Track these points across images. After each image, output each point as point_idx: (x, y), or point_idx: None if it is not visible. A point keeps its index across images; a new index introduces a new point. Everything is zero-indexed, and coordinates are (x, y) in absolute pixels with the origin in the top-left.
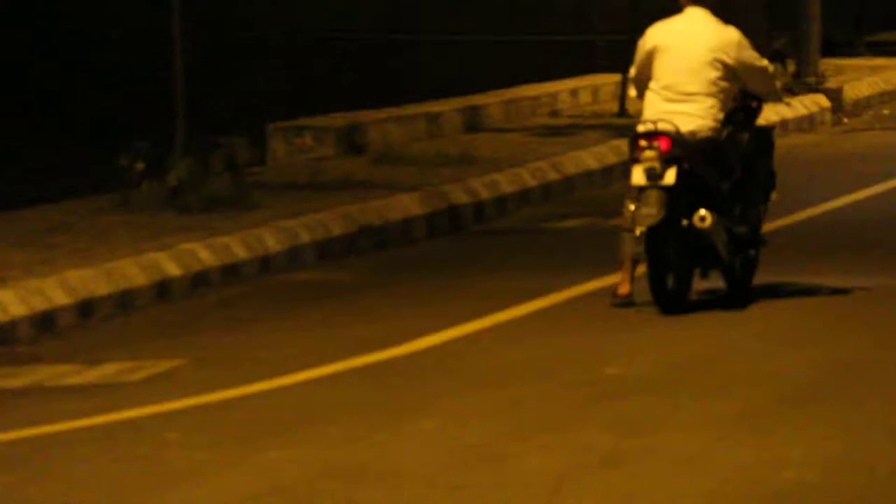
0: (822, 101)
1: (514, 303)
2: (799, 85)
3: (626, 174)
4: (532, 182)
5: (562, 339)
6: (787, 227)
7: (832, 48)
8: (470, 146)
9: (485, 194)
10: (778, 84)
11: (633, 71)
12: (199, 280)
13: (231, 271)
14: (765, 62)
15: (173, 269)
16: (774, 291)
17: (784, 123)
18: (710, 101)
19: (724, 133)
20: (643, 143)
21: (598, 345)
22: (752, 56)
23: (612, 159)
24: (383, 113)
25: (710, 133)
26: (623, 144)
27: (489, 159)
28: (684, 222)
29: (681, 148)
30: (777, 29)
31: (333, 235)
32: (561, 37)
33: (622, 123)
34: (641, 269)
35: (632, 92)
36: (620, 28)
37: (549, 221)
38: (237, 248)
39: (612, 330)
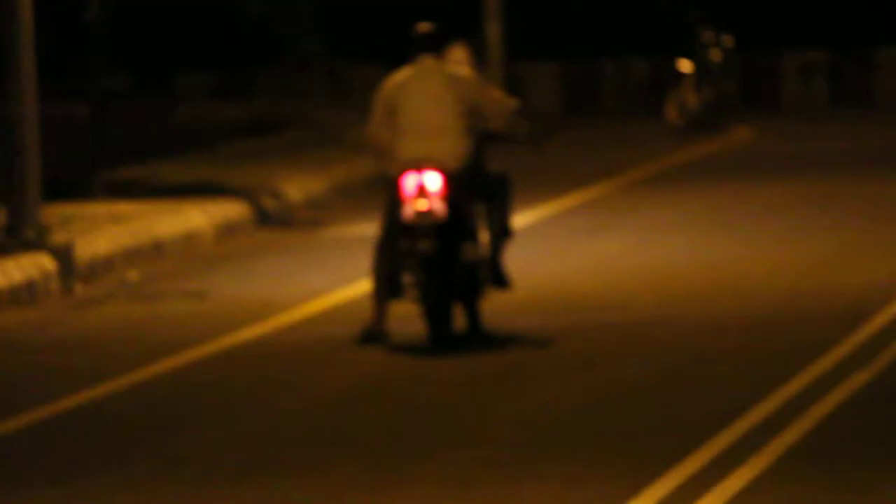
0: (47, 262)
1: None
2: (13, 241)
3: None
4: None
5: None
6: None
7: (59, 189)
8: None
9: None
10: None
11: (373, 126)
12: None
13: None
14: (508, 99)
15: None
16: None
17: None
18: (459, 136)
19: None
20: (411, 179)
21: None
22: (491, 93)
23: None
24: None
25: (462, 165)
26: None
27: None
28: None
29: (448, 182)
30: None
31: None
32: None
33: None
34: None
35: (372, 146)
36: None
37: None
38: None
39: None
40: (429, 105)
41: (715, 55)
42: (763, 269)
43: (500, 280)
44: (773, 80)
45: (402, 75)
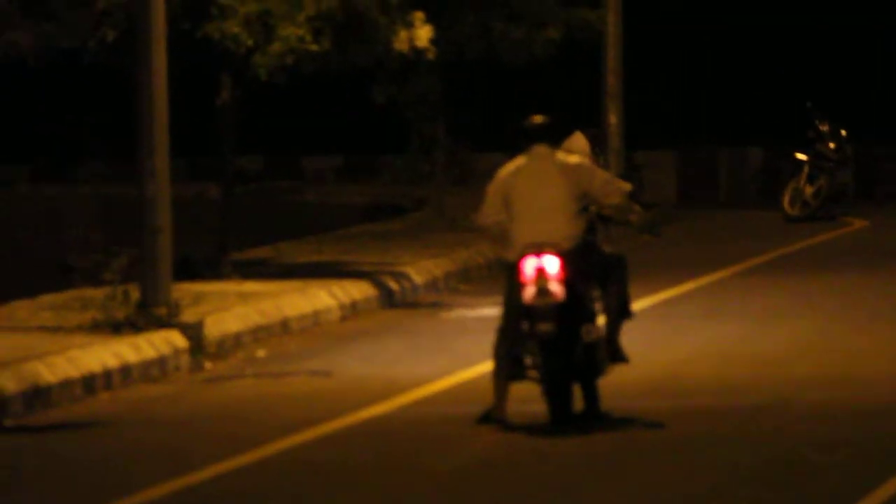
0: (178, 339)
1: None
2: (145, 317)
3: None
4: None
5: None
6: None
7: (190, 268)
8: None
9: None
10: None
11: (485, 215)
12: None
13: None
14: (620, 182)
15: None
16: None
17: (126, 370)
18: (571, 217)
19: (582, 246)
20: (530, 263)
21: None
22: (603, 175)
23: None
24: None
25: (575, 244)
26: None
27: None
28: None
29: (565, 265)
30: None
31: None
32: None
33: None
34: None
35: (488, 233)
36: None
37: None
38: None
39: None
40: (541, 189)
41: (830, 146)
42: (881, 357)
43: (618, 356)
44: (887, 171)
45: (514, 164)
